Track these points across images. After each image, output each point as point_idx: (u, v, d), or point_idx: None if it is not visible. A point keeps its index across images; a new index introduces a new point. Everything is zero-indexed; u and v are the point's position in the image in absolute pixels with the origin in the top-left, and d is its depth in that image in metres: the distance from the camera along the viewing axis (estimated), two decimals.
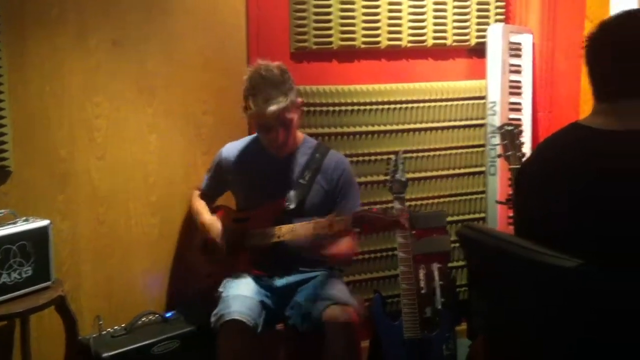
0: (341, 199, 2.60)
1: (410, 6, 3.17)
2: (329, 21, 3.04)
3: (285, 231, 2.45)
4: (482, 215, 3.43)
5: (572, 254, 1.47)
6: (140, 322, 2.70)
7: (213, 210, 2.73)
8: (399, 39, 3.18)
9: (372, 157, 3.21)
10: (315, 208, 2.54)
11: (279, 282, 2.59)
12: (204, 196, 2.78)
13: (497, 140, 3.15)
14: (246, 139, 2.73)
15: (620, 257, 1.48)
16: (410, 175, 3.21)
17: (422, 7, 3.19)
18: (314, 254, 2.50)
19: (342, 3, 3.05)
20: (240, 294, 2.43)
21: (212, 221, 2.65)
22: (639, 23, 1.64)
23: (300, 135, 2.66)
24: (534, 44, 3.36)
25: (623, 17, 1.68)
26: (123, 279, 2.84)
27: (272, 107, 2.38)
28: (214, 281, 2.63)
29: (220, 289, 2.54)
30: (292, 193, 2.55)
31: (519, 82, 3.35)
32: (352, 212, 2.43)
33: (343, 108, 3.13)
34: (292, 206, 2.53)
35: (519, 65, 3.35)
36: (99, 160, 2.73)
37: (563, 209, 1.63)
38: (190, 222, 2.82)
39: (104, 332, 2.63)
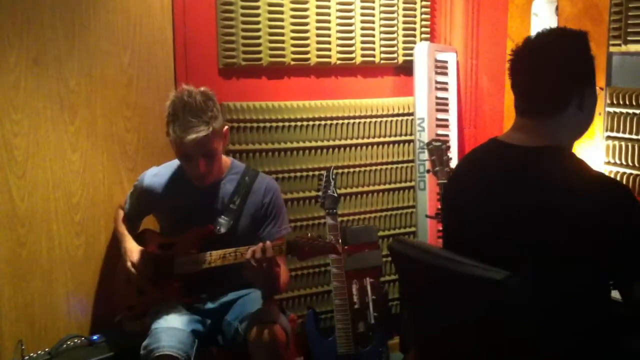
0: (270, 222, 2.56)
1: (339, 24, 3.20)
2: (257, 37, 3.04)
3: (216, 258, 2.39)
4: (413, 229, 3.48)
5: (481, 259, 1.51)
6: (64, 346, 2.59)
7: (138, 234, 2.64)
8: (328, 57, 3.20)
9: (304, 173, 3.21)
10: (246, 232, 2.50)
11: (210, 305, 2.53)
12: (128, 218, 2.70)
13: (425, 155, 3.21)
14: (170, 165, 2.63)
15: (529, 264, 1.53)
16: (342, 190, 3.22)
17: (350, 25, 3.23)
18: (256, 280, 2.45)
19: (271, 20, 3.05)
20: (171, 327, 2.34)
21: (132, 250, 2.54)
22: (557, 43, 1.70)
23: (227, 160, 2.61)
24: (458, 62, 3.45)
25: (543, 36, 1.74)
26: (46, 302, 2.73)
27: (191, 136, 2.30)
28: (139, 312, 2.53)
29: (149, 320, 2.44)
30: (222, 219, 2.50)
31: (445, 99, 3.43)
32: (285, 236, 2.41)
33: (273, 124, 3.12)
34: (222, 230, 2.48)
35: (445, 83, 3.43)
36: (19, 179, 2.63)
37: (475, 219, 1.68)
38: (117, 242, 2.73)
39: (27, 357, 2.51)
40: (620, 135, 2.71)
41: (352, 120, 3.30)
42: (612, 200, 1.56)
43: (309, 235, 2.37)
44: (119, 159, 2.84)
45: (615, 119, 2.72)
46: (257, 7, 3.02)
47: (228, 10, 2.97)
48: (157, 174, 2.61)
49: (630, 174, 2.67)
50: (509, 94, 3.16)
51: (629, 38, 2.66)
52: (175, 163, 2.60)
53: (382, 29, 3.31)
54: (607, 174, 2.72)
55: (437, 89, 3.39)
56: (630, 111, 2.66)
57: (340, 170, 3.26)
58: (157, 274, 2.48)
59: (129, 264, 2.50)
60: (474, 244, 1.66)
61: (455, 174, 1.91)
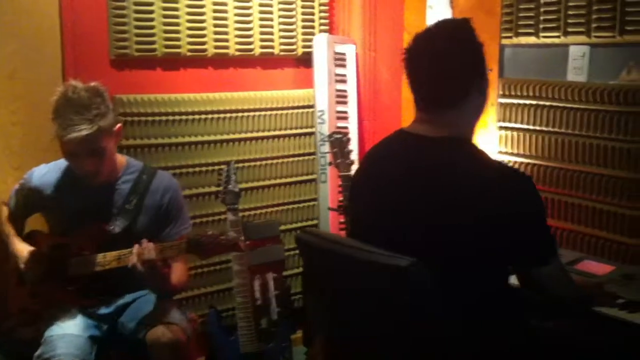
0: (171, 222, 2.47)
1: (237, 14, 3.12)
2: (151, 27, 2.91)
3: (111, 259, 2.27)
4: (315, 222, 3.46)
5: (395, 250, 1.51)
6: None
7: (25, 235, 2.47)
8: (226, 47, 3.12)
9: (203, 168, 3.11)
10: (145, 233, 2.39)
11: (106, 309, 2.40)
12: (12, 216, 2.51)
13: (326, 148, 3.20)
14: (62, 162, 2.44)
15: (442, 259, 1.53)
16: (243, 185, 3.15)
17: (248, 15, 3.15)
18: (145, 282, 2.34)
19: (165, 9, 2.93)
20: (67, 333, 2.20)
21: (22, 250, 2.37)
22: (449, 33, 1.72)
23: (122, 159, 2.47)
24: (357, 54, 3.46)
25: (435, 28, 1.75)
26: None
27: (72, 135, 2.17)
28: (32, 314, 2.36)
29: (43, 327, 2.28)
30: (118, 219, 2.37)
31: (344, 91, 3.43)
32: (186, 236, 2.33)
33: (170, 118, 3.00)
34: (116, 230, 2.36)
35: (344, 75, 3.43)
36: None
37: (383, 210, 1.68)
38: (2, 243, 2.54)
39: None
40: (513, 125, 2.80)
41: (252, 113, 3.23)
42: (513, 188, 1.60)
43: (210, 232, 2.29)
44: (3, 155, 2.64)
45: (508, 109, 2.81)
46: None
47: None
48: (47, 172, 2.44)
49: (522, 162, 2.77)
50: (408, 87, 3.24)
51: (519, 30, 2.76)
52: (64, 161, 2.44)
53: (281, 19, 3.26)
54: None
55: (336, 81, 3.38)
56: (522, 102, 2.75)
57: (240, 165, 3.18)
58: (50, 275, 2.33)
59: (21, 264, 2.33)
60: (382, 235, 1.65)
61: (363, 167, 1.89)
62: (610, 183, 2.46)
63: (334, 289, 1.75)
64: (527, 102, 2.73)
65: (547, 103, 2.66)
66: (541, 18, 2.67)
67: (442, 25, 1.80)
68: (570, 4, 2.56)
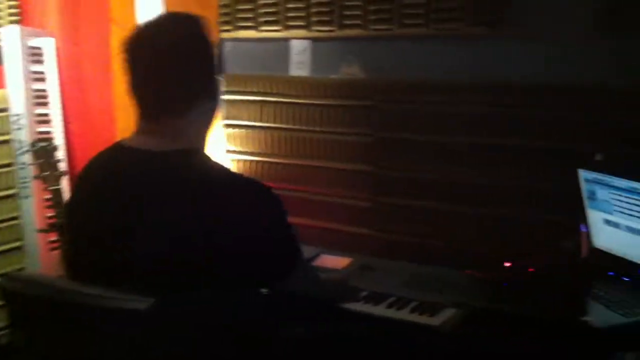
0: None
1: None
2: None
3: None
4: (19, 243, 2.97)
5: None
6: None
7: None
8: None
9: None
10: None
11: None
12: None
13: (26, 158, 2.75)
14: None
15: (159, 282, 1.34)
16: None
17: None
18: None
19: None
20: None
21: None
22: (176, 29, 1.49)
23: None
24: (58, 49, 3.04)
25: (159, 22, 1.51)
26: None
27: None
28: None
29: None
30: None
31: (44, 90, 2.99)
32: None
33: None
34: None
35: (42, 72, 2.98)
36: None
37: (108, 237, 1.42)
38: None
39: None
40: (239, 122, 2.69)
41: None
42: (252, 202, 1.46)
43: None
44: None
45: (232, 107, 2.69)
46: None
47: None
48: None
49: (251, 160, 2.68)
50: (120, 84, 2.93)
51: (238, 24, 2.65)
52: None
53: None
54: (229, 162, 2.68)
55: (33, 79, 2.93)
56: (247, 98, 2.65)
57: None
58: None
59: None
60: (110, 264, 1.40)
61: (80, 187, 1.57)
62: (340, 176, 2.49)
63: (60, 341, 1.42)
64: (252, 98, 2.64)
65: (273, 99, 2.60)
66: (260, 11, 2.59)
67: (167, 19, 1.55)
68: None
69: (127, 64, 1.45)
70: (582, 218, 1.87)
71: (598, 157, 1.83)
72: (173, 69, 1.44)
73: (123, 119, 2.89)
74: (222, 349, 1.41)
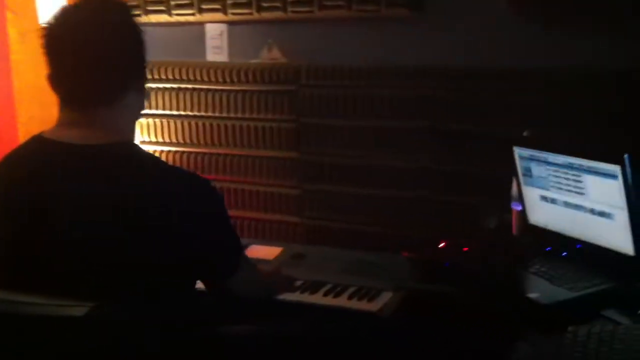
0: None
1: None
2: None
3: None
4: None
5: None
6: None
7: None
8: None
9: None
10: None
11: None
12: None
13: None
14: None
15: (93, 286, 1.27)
16: None
17: None
18: None
19: None
20: None
21: None
22: (104, 17, 1.38)
23: None
24: None
25: (83, 10, 1.38)
26: None
27: None
28: None
29: None
30: None
31: None
32: None
33: None
34: None
35: None
36: None
37: (38, 238, 1.31)
38: None
39: None
40: (154, 111, 2.56)
41: None
42: (192, 196, 1.39)
43: None
44: None
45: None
46: None
47: None
48: None
49: (169, 150, 2.56)
50: (19, 73, 2.71)
51: (149, 8, 2.52)
52: None
53: None
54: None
55: None
56: (161, 85, 2.53)
57: None
58: None
59: None
60: (40, 269, 1.29)
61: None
62: (265, 164, 2.42)
63: None
64: (168, 85, 2.52)
65: (189, 86, 2.49)
66: None
67: (92, 3, 1.43)
68: None
69: (49, 51, 1.33)
70: (516, 196, 1.89)
71: (526, 133, 1.86)
72: (103, 55, 1.34)
73: (25, 112, 2.69)
74: (163, 353, 1.34)
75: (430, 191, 2.20)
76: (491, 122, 2.08)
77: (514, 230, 1.93)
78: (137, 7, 2.51)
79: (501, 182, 1.99)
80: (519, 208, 1.89)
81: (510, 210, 1.95)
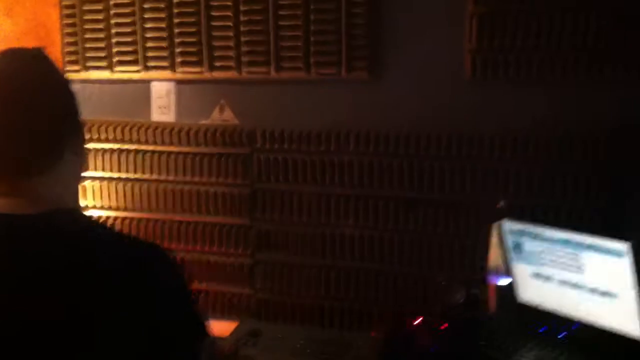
0: None
1: None
2: None
3: None
4: None
5: None
6: None
7: None
8: None
9: None
10: None
11: None
12: None
13: None
14: None
15: None
16: None
17: None
18: None
19: None
20: None
21: None
22: (26, 71, 1.21)
23: None
24: None
25: (3, 63, 1.23)
26: None
27: None
28: None
29: None
30: None
31: None
32: None
33: None
34: None
35: None
36: None
37: None
38: None
39: None
40: (95, 174, 2.37)
41: None
42: (151, 268, 1.22)
43: None
44: None
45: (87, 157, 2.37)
46: None
47: None
48: None
49: (111, 216, 2.37)
50: None
51: (89, 64, 2.34)
52: None
53: None
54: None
55: None
56: (102, 146, 2.35)
57: None
58: None
59: None
60: None
61: None
62: (215, 231, 2.27)
63: None
64: (109, 146, 2.34)
65: (133, 147, 2.32)
66: (115, 50, 2.31)
67: (9, 58, 1.26)
68: (149, 35, 2.27)
69: None
70: (494, 269, 1.80)
71: (501, 203, 1.78)
72: (28, 119, 1.16)
73: None
74: None
75: (390, 263, 2.10)
76: (454, 189, 2.02)
77: (491, 307, 1.81)
78: (75, 62, 2.34)
79: (468, 252, 1.92)
80: (497, 282, 1.79)
81: (480, 284, 1.86)
